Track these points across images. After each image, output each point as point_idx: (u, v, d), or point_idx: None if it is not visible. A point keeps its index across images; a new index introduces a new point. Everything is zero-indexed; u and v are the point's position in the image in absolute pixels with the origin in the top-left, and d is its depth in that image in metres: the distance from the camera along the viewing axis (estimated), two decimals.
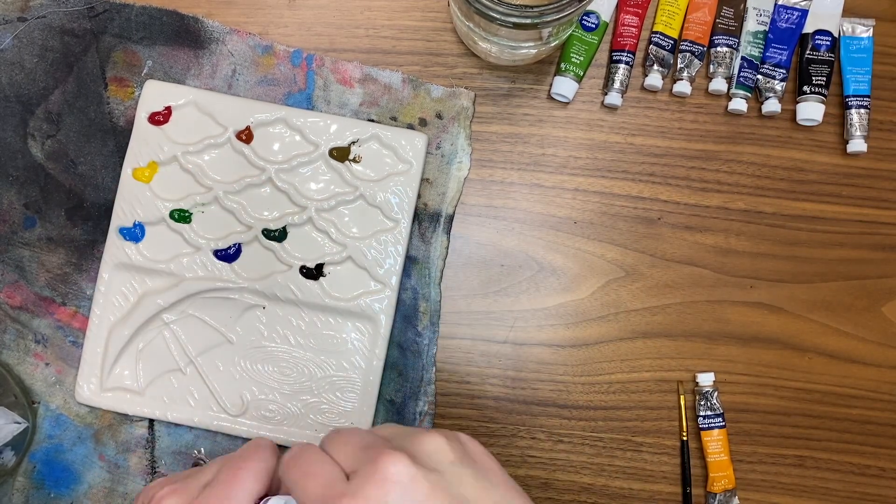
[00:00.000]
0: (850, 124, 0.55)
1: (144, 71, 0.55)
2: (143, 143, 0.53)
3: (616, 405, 0.54)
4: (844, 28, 0.56)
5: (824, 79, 0.55)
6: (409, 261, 0.54)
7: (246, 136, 0.53)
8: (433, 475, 0.31)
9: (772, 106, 0.55)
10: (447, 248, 0.54)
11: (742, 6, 0.55)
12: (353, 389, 0.52)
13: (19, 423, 0.50)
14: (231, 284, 0.52)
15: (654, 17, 0.55)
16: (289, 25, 0.56)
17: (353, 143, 0.53)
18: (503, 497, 0.32)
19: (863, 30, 0.55)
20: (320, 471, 0.31)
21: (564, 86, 0.54)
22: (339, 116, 0.54)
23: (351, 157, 0.53)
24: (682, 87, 0.55)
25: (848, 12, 0.56)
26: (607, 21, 0.55)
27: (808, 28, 0.55)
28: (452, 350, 0.54)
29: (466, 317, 0.55)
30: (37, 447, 0.53)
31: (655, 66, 0.55)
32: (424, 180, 0.54)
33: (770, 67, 0.55)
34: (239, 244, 0.53)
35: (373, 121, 0.54)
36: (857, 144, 0.54)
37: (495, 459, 0.34)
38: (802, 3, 0.55)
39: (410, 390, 0.53)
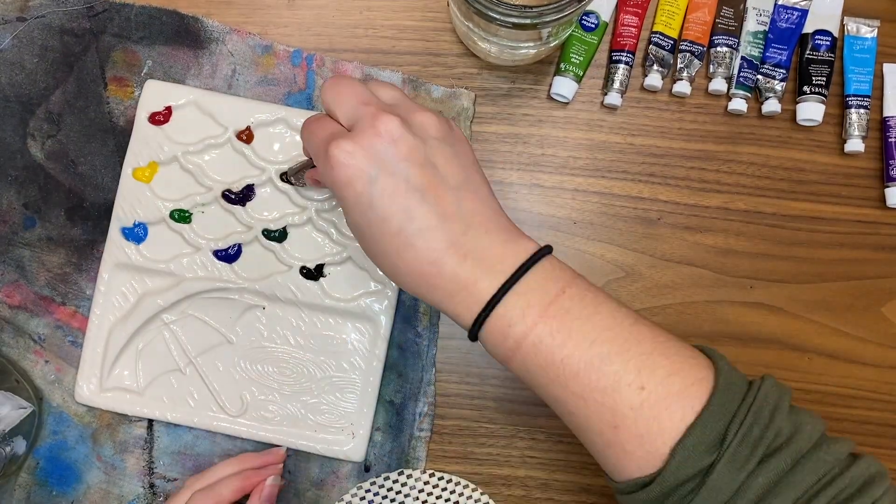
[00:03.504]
0: (849, 124, 0.55)
1: (144, 71, 0.55)
2: (144, 143, 0.53)
3: None
4: (849, 27, 0.55)
5: (824, 79, 0.55)
6: None
7: (246, 136, 0.53)
8: (416, 140, 0.37)
9: (772, 106, 0.55)
10: None
11: (742, 6, 0.55)
12: (353, 390, 0.52)
13: (25, 408, 0.50)
14: (231, 285, 0.52)
15: (654, 17, 0.55)
16: (288, 25, 0.55)
17: None
18: (468, 177, 0.38)
19: (867, 30, 0.55)
20: (323, 126, 0.39)
21: (564, 86, 0.54)
22: None
23: None
24: (682, 87, 0.55)
25: (847, 12, 0.56)
26: (607, 21, 0.55)
27: (808, 28, 0.55)
28: (452, 350, 0.54)
29: None
30: (43, 442, 0.53)
31: (655, 66, 0.55)
32: None
33: (770, 67, 0.55)
34: (239, 244, 0.53)
35: None
36: (855, 144, 0.54)
37: (472, 151, 0.40)
38: (802, 3, 0.55)
39: (410, 391, 0.53)
